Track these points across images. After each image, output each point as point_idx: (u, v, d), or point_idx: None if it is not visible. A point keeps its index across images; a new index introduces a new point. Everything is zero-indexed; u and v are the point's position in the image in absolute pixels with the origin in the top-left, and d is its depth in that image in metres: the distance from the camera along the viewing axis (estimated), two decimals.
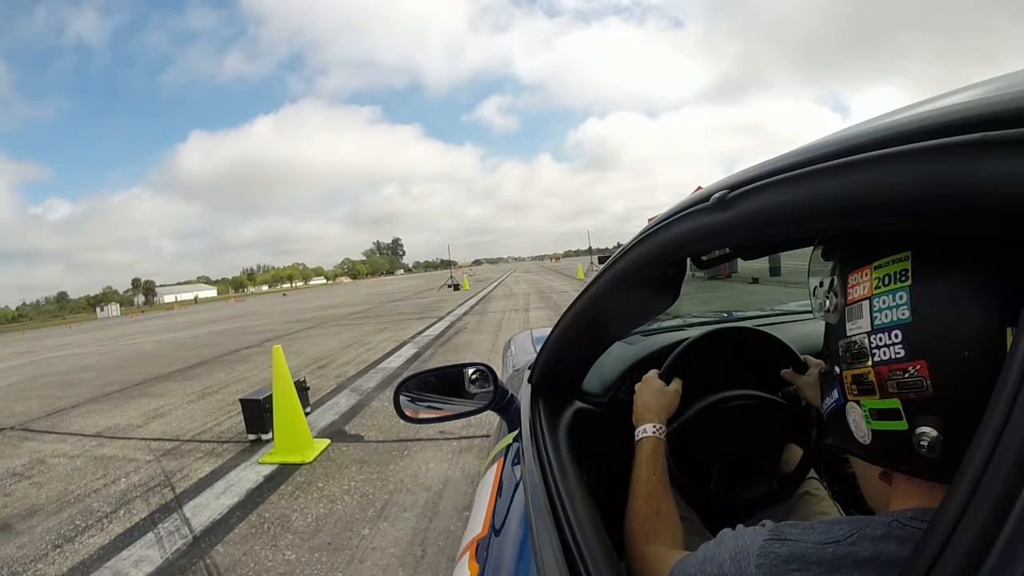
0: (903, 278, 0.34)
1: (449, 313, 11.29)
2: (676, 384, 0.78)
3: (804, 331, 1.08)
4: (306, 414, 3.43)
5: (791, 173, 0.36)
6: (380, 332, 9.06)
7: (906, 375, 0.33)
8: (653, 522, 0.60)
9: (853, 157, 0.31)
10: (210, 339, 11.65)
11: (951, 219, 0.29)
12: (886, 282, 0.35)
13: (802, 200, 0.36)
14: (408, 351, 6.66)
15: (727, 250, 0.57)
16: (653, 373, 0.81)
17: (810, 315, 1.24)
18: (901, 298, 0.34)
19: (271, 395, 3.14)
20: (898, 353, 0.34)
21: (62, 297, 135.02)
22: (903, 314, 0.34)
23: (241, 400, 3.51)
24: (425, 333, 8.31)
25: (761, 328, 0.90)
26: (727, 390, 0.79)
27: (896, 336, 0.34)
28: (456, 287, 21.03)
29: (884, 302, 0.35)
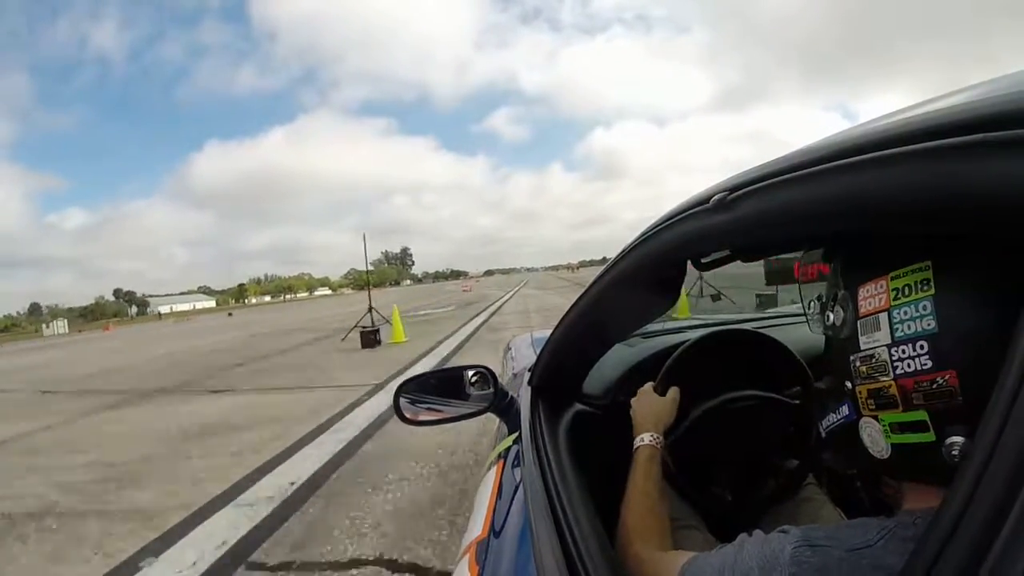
0: (925, 287, 0.33)
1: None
2: (672, 393, 0.77)
3: (801, 334, 1.08)
4: None
5: (792, 174, 0.36)
6: None
7: (934, 386, 0.32)
8: (646, 521, 0.61)
9: (854, 158, 0.31)
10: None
11: (952, 220, 0.29)
12: (906, 292, 0.34)
13: (803, 201, 0.36)
14: None
15: (727, 252, 0.57)
16: (648, 386, 0.80)
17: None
18: (925, 308, 0.33)
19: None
20: (924, 364, 0.33)
21: (35, 308, 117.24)
22: (928, 324, 0.33)
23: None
24: None
25: (759, 330, 0.90)
26: (726, 393, 0.79)
27: (922, 347, 0.33)
28: (374, 335, 7.66)
29: (906, 313, 0.34)
